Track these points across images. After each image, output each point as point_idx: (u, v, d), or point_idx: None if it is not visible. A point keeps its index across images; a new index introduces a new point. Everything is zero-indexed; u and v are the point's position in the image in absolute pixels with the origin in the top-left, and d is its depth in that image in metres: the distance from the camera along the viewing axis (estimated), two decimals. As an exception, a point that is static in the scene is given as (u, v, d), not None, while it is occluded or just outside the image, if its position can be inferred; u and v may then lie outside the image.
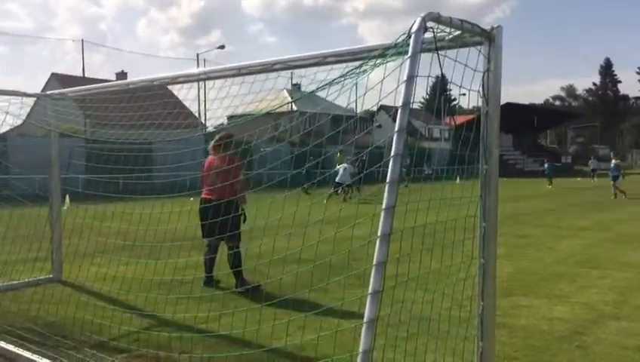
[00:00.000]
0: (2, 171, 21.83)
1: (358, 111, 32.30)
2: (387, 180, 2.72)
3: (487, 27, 3.40)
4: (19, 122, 7.73)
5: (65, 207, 10.91)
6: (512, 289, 6.98)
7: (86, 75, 44.58)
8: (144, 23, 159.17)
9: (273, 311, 5.38)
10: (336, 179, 20.95)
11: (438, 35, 3.12)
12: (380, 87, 3.26)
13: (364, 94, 3.66)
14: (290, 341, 4.77)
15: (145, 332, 5.18)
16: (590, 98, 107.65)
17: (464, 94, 3.49)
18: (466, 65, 3.35)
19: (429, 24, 2.96)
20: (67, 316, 5.46)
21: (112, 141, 7.48)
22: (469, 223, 3.58)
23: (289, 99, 21.02)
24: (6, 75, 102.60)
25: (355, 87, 3.83)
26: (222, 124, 7.29)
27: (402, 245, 3.21)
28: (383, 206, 2.68)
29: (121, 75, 45.82)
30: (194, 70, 7.95)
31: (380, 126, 50.77)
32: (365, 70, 3.53)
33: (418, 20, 2.89)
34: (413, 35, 2.86)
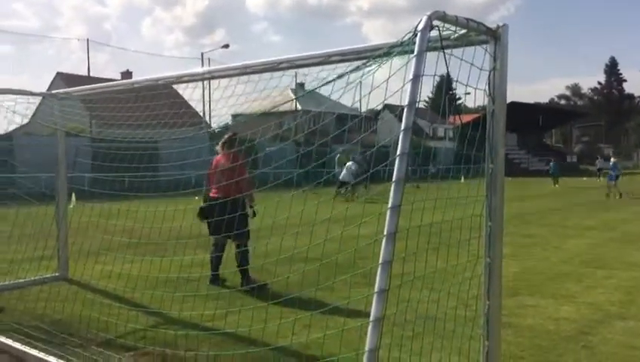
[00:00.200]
0: (9, 170, 21.92)
1: (363, 110, 32.28)
2: (393, 179, 2.72)
3: (493, 26, 3.40)
4: (25, 121, 7.75)
5: (71, 206, 10.95)
6: (518, 288, 6.97)
7: (91, 75, 44.62)
8: (149, 22, 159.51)
9: (279, 310, 5.39)
10: (340, 178, 20.93)
11: (444, 33, 3.12)
12: (386, 86, 3.26)
13: (370, 93, 3.66)
14: (295, 339, 4.78)
15: (151, 329, 5.20)
16: (595, 97, 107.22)
17: (469, 93, 3.51)
18: (471, 64, 3.34)
19: (435, 22, 2.96)
20: (74, 314, 5.48)
21: (119, 140, 7.50)
22: (474, 222, 3.58)
23: (293, 97, 20.98)
24: (12, 74, 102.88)
25: (359, 85, 3.83)
26: (226, 123, 7.29)
27: (408, 244, 3.21)
28: (389, 205, 2.68)
29: (127, 74, 45.91)
30: (199, 69, 7.97)
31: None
32: (371, 68, 3.53)
33: (424, 19, 2.89)
34: (419, 34, 2.86)
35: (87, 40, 48.97)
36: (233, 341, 4.87)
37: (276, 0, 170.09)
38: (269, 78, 4.80)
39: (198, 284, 6.72)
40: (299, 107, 35.50)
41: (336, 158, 22.35)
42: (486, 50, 3.45)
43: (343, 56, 4.04)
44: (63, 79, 42.73)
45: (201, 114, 33.56)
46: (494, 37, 3.40)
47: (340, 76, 3.71)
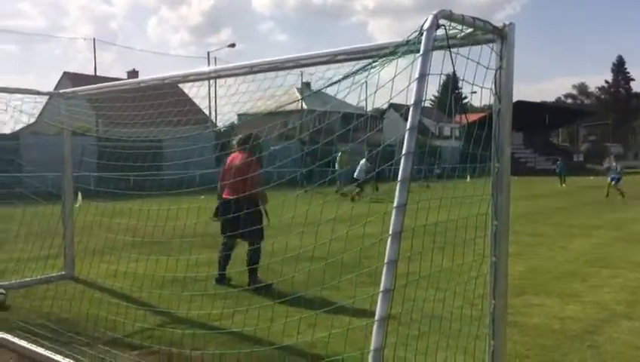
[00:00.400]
0: (16, 169, 22.01)
1: (369, 109, 32.20)
2: (398, 178, 2.72)
3: (499, 24, 3.39)
4: (32, 120, 7.78)
5: (77, 205, 10.98)
6: (523, 287, 6.95)
7: (97, 74, 44.78)
8: (155, 21, 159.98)
9: (285, 309, 5.40)
10: (355, 175, 20.81)
11: (450, 32, 3.11)
12: (392, 85, 3.25)
13: (375, 92, 3.66)
14: (301, 338, 4.79)
15: (158, 329, 5.21)
16: (602, 96, 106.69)
17: (475, 92, 3.51)
18: (478, 63, 3.34)
19: (441, 21, 2.95)
20: (80, 312, 5.50)
21: (124, 139, 7.52)
22: (480, 221, 3.57)
23: (299, 97, 20.91)
24: (19, 73, 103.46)
25: (365, 85, 3.82)
26: (232, 122, 7.29)
27: (414, 243, 3.20)
28: (395, 204, 2.68)
29: (133, 74, 46.02)
30: (205, 68, 7.98)
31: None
32: (376, 67, 3.52)
33: (430, 17, 2.89)
34: (425, 33, 2.85)
35: (94, 39, 49.21)
36: (239, 340, 4.88)
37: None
38: (275, 77, 4.80)
39: (205, 284, 6.74)
40: (304, 106, 35.52)
41: (337, 158, 22.20)
42: (492, 49, 3.44)
43: (349, 56, 4.03)
44: (70, 79, 42.89)
45: (206, 112, 33.63)
46: (501, 36, 3.39)
47: (346, 76, 3.71)
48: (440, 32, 2.98)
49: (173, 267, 6.49)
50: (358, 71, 3.64)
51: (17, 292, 6.58)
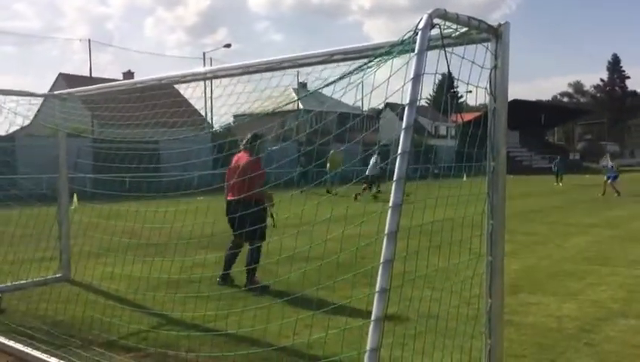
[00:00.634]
0: (11, 171, 21.96)
1: (365, 109, 32.17)
2: (394, 178, 2.71)
3: (494, 24, 3.38)
4: (27, 122, 7.75)
5: (73, 207, 10.96)
6: (520, 286, 6.95)
7: (93, 75, 44.73)
8: (151, 22, 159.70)
9: (281, 310, 5.38)
10: (367, 173, 20.69)
11: (445, 31, 3.11)
12: (387, 85, 3.25)
13: (371, 92, 3.65)
14: (297, 339, 4.77)
15: (153, 331, 5.19)
16: (598, 94, 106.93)
17: (470, 91, 3.49)
18: (473, 62, 3.33)
19: (436, 21, 2.95)
20: (75, 315, 5.48)
21: (118, 140, 7.50)
22: (476, 221, 3.57)
23: (295, 97, 20.88)
24: (15, 74, 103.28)
25: (361, 85, 3.82)
26: (228, 123, 7.27)
27: (410, 243, 3.20)
28: (390, 203, 2.67)
29: (128, 75, 45.95)
30: (201, 69, 7.97)
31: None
32: (371, 67, 3.52)
33: (425, 17, 2.88)
34: (419, 32, 2.85)
35: (89, 40, 49.04)
36: (235, 341, 4.86)
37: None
38: (271, 77, 4.79)
39: (199, 285, 6.72)
40: (300, 106, 35.49)
41: (329, 157, 22.03)
42: (487, 48, 3.44)
43: (345, 55, 4.03)
44: (65, 80, 42.80)
45: (202, 113, 33.56)
46: (495, 35, 3.39)
47: (342, 77, 3.71)
48: (435, 31, 2.98)
49: (168, 269, 6.46)
50: (353, 71, 3.64)
51: (12, 294, 6.55)
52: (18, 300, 6.24)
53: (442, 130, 67.61)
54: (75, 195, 14.39)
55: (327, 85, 3.86)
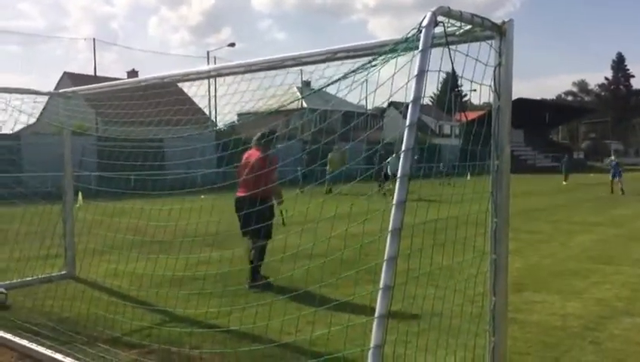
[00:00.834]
0: (16, 169, 22.03)
1: (369, 107, 32.16)
2: (398, 175, 2.72)
3: (498, 21, 3.38)
4: (33, 120, 7.78)
5: (77, 205, 10.99)
6: (524, 284, 6.95)
7: (98, 74, 44.76)
8: (155, 21, 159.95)
9: (284, 306, 5.39)
10: (388, 171, 20.57)
11: (449, 29, 3.11)
12: (391, 83, 3.25)
13: (375, 90, 3.66)
14: (300, 336, 4.78)
15: (157, 327, 5.21)
16: (602, 93, 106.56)
17: (475, 90, 3.49)
18: (477, 60, 3.33)
19: (440, 18, 2.95)
20: (80, 312, 5.50)
21: (122, 138, 7.52)
22: (480, 219, 3.57)
23: (299, 95, 20.83)
24: (20, 73, 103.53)
25: (365, 83, 3.82)
26: (233, 122, 7.28)
27: (413, 241, 3.20)
28: (394, 201, 2.67)
29: (133, 74, 45.96)
30: (205, 67, 7.96)
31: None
32: (375, 65, 3.52)
33: (429, 15, 2.88)
34: (423, 30, 2.85)
35: (94, 40, 49.09)
36: (238, 338, 4.88)
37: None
38: (274, 76, 4.80)
39: (203, 282, 6.74)
40: (305, 105, 35.48)
41: (329, 157, 21.97)
42: (491, 45, 3.43)
43: (348, 53, 4.02)
44: (70, 79, 42.89)
45: (206, 111, 33.60)
46: (500, 32, 3.39)
47: (346, 75, 3.71)
48: (438, 29, 2.98)
49: (172, 266, 6.48)
50: (358, 69, 3.64)
51: (18, 291, 6.58)
52: (24, 297, 6.27)
53: (447, 129, 67.50)
54: (80, 193, 14.43)
55: (332, 83, 3.87)
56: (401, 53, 3.24)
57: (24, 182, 20.92)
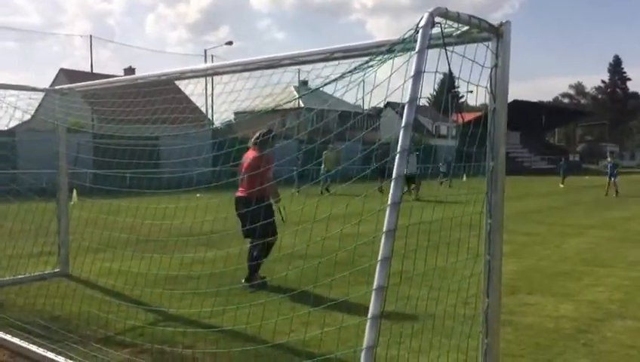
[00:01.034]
0: (11, 166, 21.94)
1: (365, 107, 32.16)
2: (393, 176, 2.71)
3: (495, 23, 3.38)
4: (27, 117, 7.75)
5: (72, 203, 10.95)
6: (517, 286, 6.95)
7: (94, 71, 44.69)
8: (152, 18, 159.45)
9: (277, 307, 5.38)
10: (407, 172, 20.39)
11: (446, 30, 3.11)
12: (388, 84, 3.25)
13: (372, 90, 3.65)
14: (293, 336, 4.78)
15: (150, 326, 5.20)
16: (599, 96, 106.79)
17: (471, 91, 3.48)
18: (473, 61, 3.33)
19: (437, 19, 2.95)
20: (73, 310, 5.48)
21: (118, 135, 7.49)
22: (474, 220, 3.57)
23: (296, 95, 20.83)
24: (16, 70, 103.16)
25: (362, 83, 3.81)
26: (229, 121, 7.26)
27: (408, 241, 3.20)
28: (389, 201, 2.67)
29: (129, 71, 45.82)
30: (201, 65, 7.95)
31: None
32: (372, 65, 3.52)
33: (426, 15, 2.88)
34: (420, 31, 2.84)
35: (91, 36, 49.03)
36: (231, 338, 4.87)
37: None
38: (271, 75, 4.80)
39: (197, 281, 6.72)
40: (301, 104, 35.47)
41: (324, 156, 21.92)
42: (488, 47, 3.43)
43: (345, 53, 4.02)
44: (66, 75, 42.77)
45: (203, 110, 33.52)
46: (497, 34, 3.39)
47: (343, 75, 3.71)
48: (436, 30, 2.98)
49: (167, 265, 6.47)
50: (355, 70, 3.64)
51: (11, 289, 6.55)
52: (16, 295, 6.24)
53: (443, 130, 67.56)
54: (74, 190, 14.39)
55: (329, 83, 3.86)
56: (399, 54, 3.24)
57: (18, 178, 20.83)
